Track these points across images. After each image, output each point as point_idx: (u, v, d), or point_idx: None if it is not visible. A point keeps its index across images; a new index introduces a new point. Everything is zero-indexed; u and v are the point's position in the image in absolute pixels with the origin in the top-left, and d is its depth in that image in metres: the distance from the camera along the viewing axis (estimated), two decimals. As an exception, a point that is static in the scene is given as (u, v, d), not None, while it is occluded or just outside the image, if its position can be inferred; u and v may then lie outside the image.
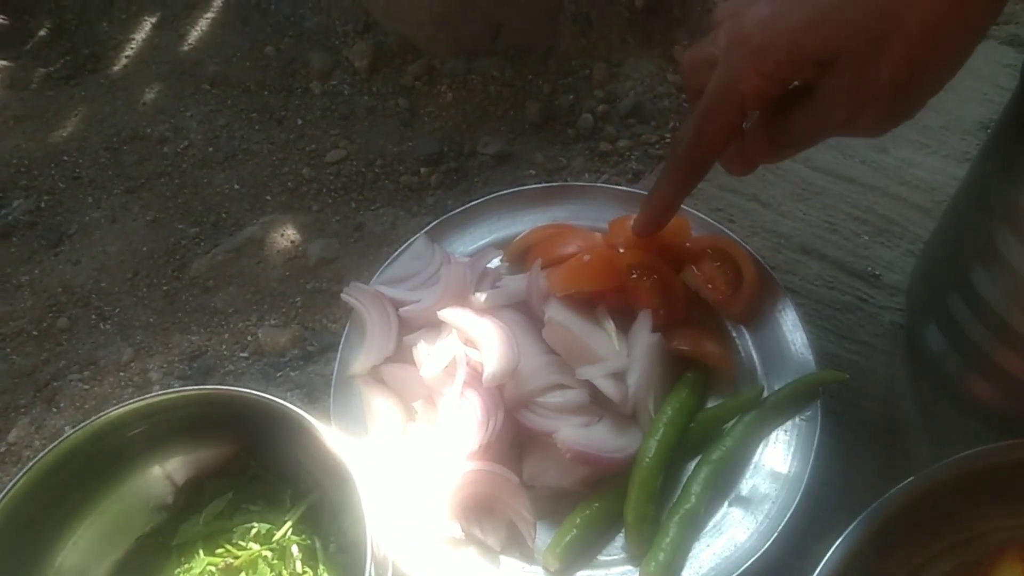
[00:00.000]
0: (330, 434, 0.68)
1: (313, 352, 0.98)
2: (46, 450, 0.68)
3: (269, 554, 0.71)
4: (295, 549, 0.71)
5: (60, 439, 0.69)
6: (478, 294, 0.87)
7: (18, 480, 0.67)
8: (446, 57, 1.28)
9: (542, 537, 0.78)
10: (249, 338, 1.00)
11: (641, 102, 1.21)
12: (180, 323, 1.02)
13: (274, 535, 0.72)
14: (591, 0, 1.29)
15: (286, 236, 1.09)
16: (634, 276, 0.86)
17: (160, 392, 0.72)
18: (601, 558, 0.77)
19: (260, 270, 1.06)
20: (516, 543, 0.78)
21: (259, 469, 0.77)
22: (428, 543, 0.77)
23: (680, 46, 1.30)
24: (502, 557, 0.77)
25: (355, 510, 0.64)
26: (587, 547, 0.77)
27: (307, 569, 0.71)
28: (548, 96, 1.23)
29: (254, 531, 0.72)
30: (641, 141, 1.17)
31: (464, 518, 0.78)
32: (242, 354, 0.99)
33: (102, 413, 0.71)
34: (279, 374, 0.96)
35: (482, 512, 0.79)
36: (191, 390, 0.73)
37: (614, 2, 1.30)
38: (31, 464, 0.67)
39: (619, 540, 0.78)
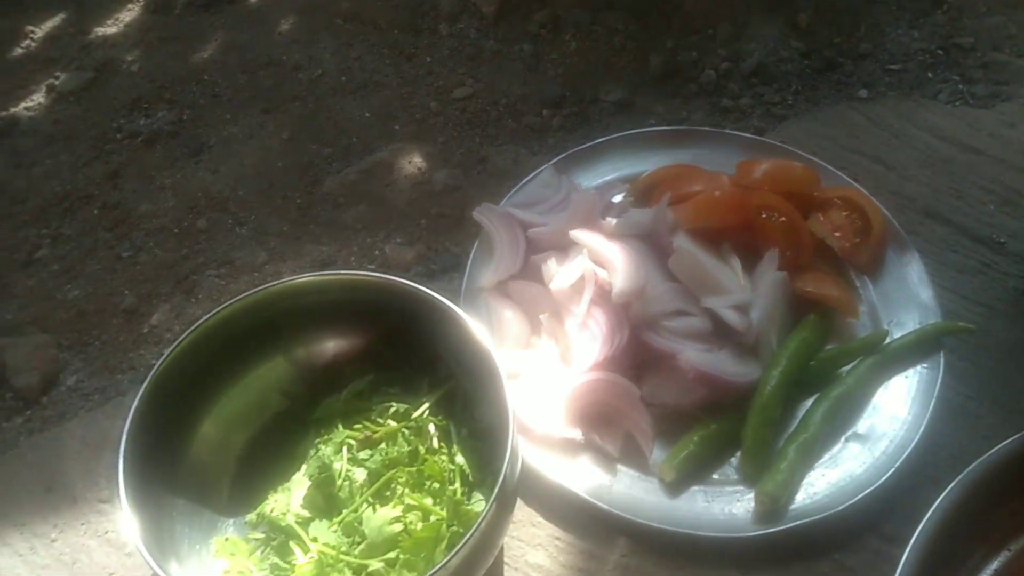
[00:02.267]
0: (477, 327, 0.71)
1: (436, 270, 1.02)
2: (201, 320, 0.73)
3: (407, 431, 0.75)
4: (431, 428, 0.75)
5: (216, 309, 0.74)
6: (607, 219, 0.89)
7: (175, 347, 0.72)
8: (571, 8, 1.31)
9: (657, 453, 0.81)
10: (376, 252, 1.05)
11: (765, 63, 1.23)
12: (311, 234, 1.07)
13: (411, 414, 0.76)
14: (718, -38, 1.30)
15: (413, 163, 1.13)
16: (763, 216, 0.88)
17: (313, 272, 0.77)
18: (715, 476, 0.80)
19: (388, 192, 1.10)
20: (632, 453, 0.81)
21: (396, 359, 0.81)
22: (550, 446, 0.80)
23: (804, 13, 1.30)
24: (619, 465, 0.80)
25: (498, 399, 0.68)
26: (702, 464, 0.80)
27: (442, 446, 0.74)
28: (671, 51, 1.25)
29: (392, 410, 0.76)
30: (763, 100, 1.19)
31: (585, 425, 0.81)
32: (369, 266, 1.04)
33: (261, 287, 0.75)
34: (403, 287, 1.00)
35: (602, 421, 0.82)
36: (344, 273, 0.77)
37: (741, -34, 1.31)
38: (185, 334, 0.73)
39: (733, 462, 0.81)
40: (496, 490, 0.62)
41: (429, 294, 0.73)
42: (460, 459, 0.74)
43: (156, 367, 0.72)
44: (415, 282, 1.00)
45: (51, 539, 0.85)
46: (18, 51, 1.37)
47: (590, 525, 0.79)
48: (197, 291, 1.03)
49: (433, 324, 0.75)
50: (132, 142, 1.20)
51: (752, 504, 0.77)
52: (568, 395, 0.81)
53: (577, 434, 0.80)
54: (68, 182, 1.16)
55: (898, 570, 0.67)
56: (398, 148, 1.16)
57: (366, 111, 1.21)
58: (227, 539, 0.73)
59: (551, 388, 0.82)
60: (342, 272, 0.78)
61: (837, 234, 0.90)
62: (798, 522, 0.75)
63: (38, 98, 1.29)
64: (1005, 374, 0.88)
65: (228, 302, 0.74)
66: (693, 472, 0.79)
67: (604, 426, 0.82)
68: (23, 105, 1.28)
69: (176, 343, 0.73)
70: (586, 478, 0.79)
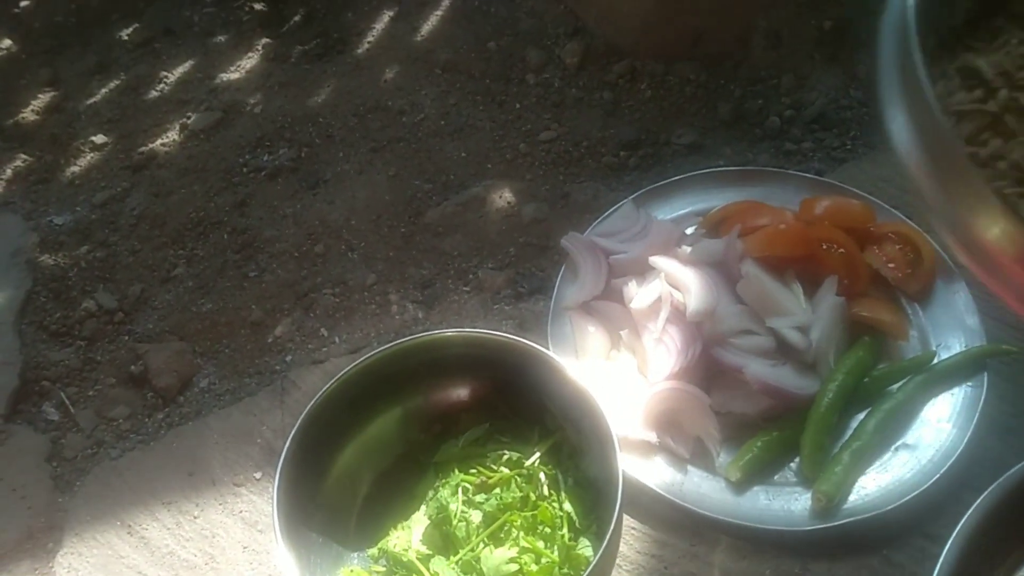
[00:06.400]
0: (583, 382, 0.79)
1: (524, 293, 1.15)
2: (349, 367, 0.84)
3: (519, 478, 0.84)
4: (542, 476, 0.84)
5: (359, 361, 0.85)
6: (682, 247, 1.01)
7: (330, 387, 0.83)
8: (648, 59, 1.44)
9: (724, 456, 0.91)
10: (471, 276, 1.18)
11: (825, 111, 1.33)
12: (414, 259, 1.21)
13: (523, 463, 0.85)
14: (783, 18, 1.42)
15: (503, 198, 1.27)
16: (824, 247, 0.99)
17: (440, 330, 0.89)
18: (775, 478, 0.90)
19: (481, 223, 1.24)
20: (702, 456, 0.91)
21: (507, 410, 0.90)
22: (628, 447, 0.91)
23: (863, 65, 1.41)
24: (689, 466, 0.91)
25: (602, 452, 0.76)
26: (765, 466, 0.90)
27: (552, 494, 0.83)
28: (738, 99, 1.37)
29: (505, 457, 0.86)
30: (824, 145, 1.29)
31: (659, 429, 0.92)
32: (464, 288, 1.17)
33: (395, 343, 0.86)
34: (495, 307, 1.13)
35: (675, 426, 0.92)
36: (467, 331, 0.88)
37: (804, 21, 1.43)
38: (339, 376, 0.84)
39: (793, 466, 0.91)
40: (608, 538, 0.70)
41: (540, 350, 0.83)
42: (568, 506, 0.82)
43: (301, 416, 0.82)
44: (505, 302, 1.14)
45: (194, 516, 0.99)
46: (154, 94, 1.55)
47: (663, 517, 0.89)
48: (315, 307, 1.17)
49: (543, 378, 0.84)
50: (257, 176, 1.36)
51: (809, 503, 0.86)
52: (645, 402, 0.92)
53: (652, 437, 0.91)
54: (201, 209, 1.32)
55: (938, 564, 0.76)
56: (490, 184, 1.29)
57: (462, 151, 1.35)
58: (352, 571, 0.83)
59: (630, 396, 0.93)
60: (465, 330, 0.89)
61: (891, 265, 1.00)
62: (850, 519, 0.84)
63: (172, 135, 1.46)
64: (1048, 396, 0.95)
65: (367, 356, 0.86)
66: (756, 473, 0.89)
67: (677, 430, 0.92)
68: (159, 142, 1.46)
69: (320, 392, 0.83)
70: (660, 476, 0.90)
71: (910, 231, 1.01)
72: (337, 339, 1.14)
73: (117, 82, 1.58)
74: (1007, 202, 0.53)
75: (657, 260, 0.99)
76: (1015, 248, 0.49)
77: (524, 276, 1.17)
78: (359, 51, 1.57)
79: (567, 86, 1.44)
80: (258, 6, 1.70)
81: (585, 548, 0.78)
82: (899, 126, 0.57)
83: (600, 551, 0.70)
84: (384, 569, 0.84)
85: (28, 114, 1.52)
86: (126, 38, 1.66)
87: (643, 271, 1.01)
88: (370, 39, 1.60)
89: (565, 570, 0.77)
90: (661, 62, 1.43)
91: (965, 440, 0.87)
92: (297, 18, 1.69)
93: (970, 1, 0.65)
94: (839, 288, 0.97)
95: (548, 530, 0.79)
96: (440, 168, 1.33)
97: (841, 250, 0.98)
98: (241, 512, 0.98)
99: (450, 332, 0.88)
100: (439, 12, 1.62)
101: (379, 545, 0.85)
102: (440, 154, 1.35)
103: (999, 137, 0.58)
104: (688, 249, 1.00)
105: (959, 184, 0.52)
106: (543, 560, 0.77)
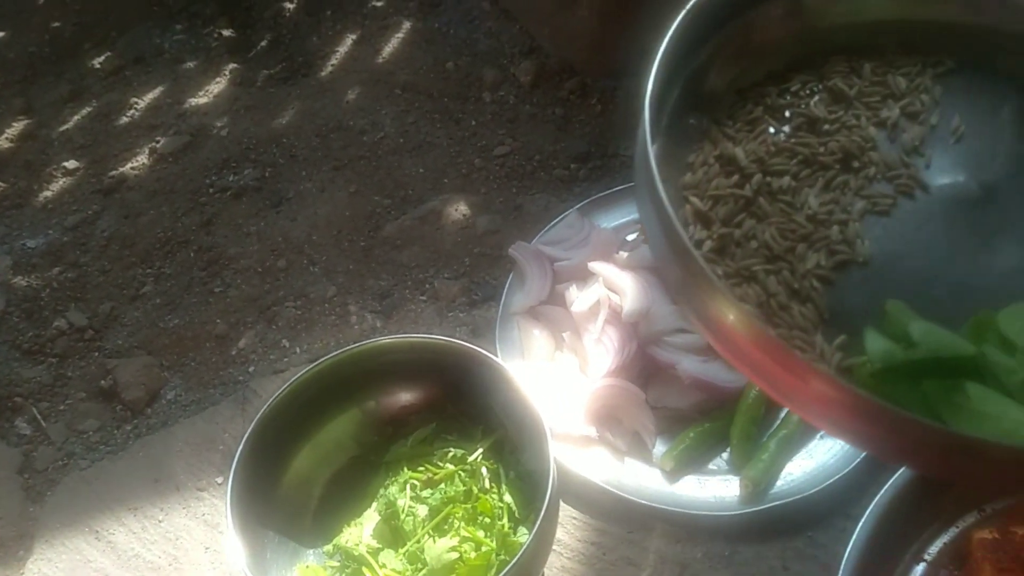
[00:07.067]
0: (524, 384, 0.85)
1: (477, 300, 1.20)
2: (297, 375, 0.89)
3: (463, 473, 0.89)
4: (484, 471, 0.89)
5: (306, 368, 0.89)
6: (621, 253, 1.07)
7: (281, 392, 0.88)
8: (598, 76, 1.50)
9: (659, 447, 0.96)
10: (427, 286, 1.23)
11: (767, 121, 1.39)
12: (373, 271, 1.26)
13: (467, 459, 0.90)
14: (728, 34, 1.49)
15: (459, 211, 1.32)
16: (752, 249, 1.04)
17: (389, 336, 0.93)
18: (708, 467, 0.95)
19: (438, 235, 1.29)
20: (638, 448, 0.97)
21: (454, 410, 0.95)
22: (570, 441, 0.96)
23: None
24: (626, 458, 0.96)
25: (538, 447, 0.82)
26: (697, 456, 0.95)
27: (493, 486, 0.88)
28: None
29: (451, 454, 0.91)
30: (764, 153, 1.35)
31: (599, 424, 0.97)
32: (421, 297, 1.22)
33: (343, 349, 0.91)
34: (450, 314, 1.18)
35: (613, 421, 0.98)
36: (413, 337, 0.93)
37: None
38: (291, 381, 0.88)
39: (724, 455, 0.96)
40: (536, 525, 0.75)
41: (484, 354, 0.88)
42: (508, 498, 0.87)
43: (256, 418, 0.87)
44: (460, 310, 1.19)
45: (159, 520, 1.03)
46: (124, 120, 1.61)
47: (603, 507, 0.94)
48: (277, 320, 1.22)
49: (486, 380, 0.89)
50: (222, 196, 1.41)
51: (738, 489, 0.91)
52: (585, 399, 0.97)
53: (592, 431, 0.96)
54: (169, 229, 1.37)
55: (850, 542, 0.81)
56: (447, 198, 1.35)
57: (420, 168, 1.41)
58: (308, 566, 0.87)
59: (571, 393, 0.99)
60: (412, 336, 0.94)
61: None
62: (776, 503, 0.89)
63: (142, 159, 1.52)
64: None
65: (320, 360, 0.90)
66: (689, 463, 0.94)
67: (615, 425, 0.98)
68: (129, 165, 1.51)
69: (276, 394, 0.88)
70: (600, 467, 0.95)
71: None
72: (298, 349, 1.19)
73: (89, 109, 1.63)
74: (734, 296, 0.59)
75: (596, 266, 1.04)
76: (748, 332, 0.55)
77: (478, 284, 1.23)
78: (323, 74, 1.63)
79: (521, 103, 1.50)
80: (226, 32, 1.76)
81: (523, 535, 0.83)
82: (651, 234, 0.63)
83: (531, 536, 0.75)
84: (338, 564, 0.89)
85: (2, 142, 1.57)
86: (98, 66, 1.71)
87: (585, 277, 1.07)
88: (333, 62, 1.66)
89: (502, 556, 0.82)
90: (611, 78, 1.49)
91: (884, 426, 0.92)
92: (264, 43, 1.75)
93: (728, 94, 0.72)
94: (768, 287, 1.02)
95: (488, 520, 0.84)
96: (399, 184, 1.38)
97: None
98: (204, 515, 1.02)
99: (398, 338, 0.93)
100: (400, 35, 1.69)
101: (334, 541, 0.90)
102: (399, 170, 1.41)
103: (752, 218, 0.65)
104: (626, 255, 1.06)
105: (699, 281, 0.58)
106: (482, 548, 0.82)
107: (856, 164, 0.67)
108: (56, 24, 1.78)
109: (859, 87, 0.71)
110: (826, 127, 0.69)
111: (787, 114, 0.70)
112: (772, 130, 0.69)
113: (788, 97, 0.71)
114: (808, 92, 0.71)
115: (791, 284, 0.62)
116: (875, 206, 0.65)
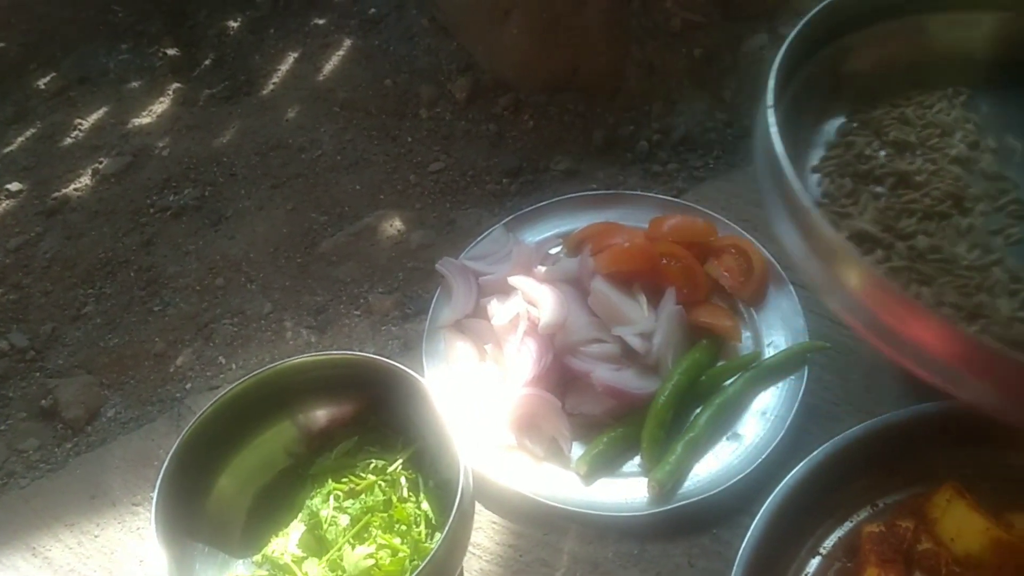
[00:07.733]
0: (439, 398, 0.89)
1: (410, 314, 1.24)
2: (222, 392, 0.92)
3: (383, 483, 0.93)
4: (403, 480, 0.93)
5: (231, 385, 0.92)
6: (540, 268, 1.11)
7: (205, 411, 0.91)
8: (531, 92, 1.55)
9: (576, 452, 1.01)
10: (362, 300, 1.27)
11: (691, 133, 1.45)
12: (309, 287, 1.30)
13: (387, 469, 0.94)
14: (656, 49, 1.54)
15: (394, 226, 1.36)
16: (664, 262, 1.09)
17: (313, 353, 0.97)
18: (622, 470, 0.99)
19: (373, 251, 1.33)
20: (555, 454, 1.01)
21: (377, 423, 0.99)
22: (489, 449, 1.00)
23: (728, 90, 1.53)
24: (544, 463, 1.00)
25: (452, 456, 0.85)
26: (610, 460, 0.99)
27: (411, 495, 0.92)
28: (612, 126, 1.48)
29: (372, 465, 0.94)
30: (688, 165, 1.40)
31: (517, 431, 1.01)
32: (355, 312, 1.26)
33: (268, 366, 0.94)
34: (383, 328, 1.22)
35: (531, 428, 1.02)
36: (336, 354, 0.96)
37: (676, 51, 1.55)
38: (217, 398, 0.91)
39: (636, 459, 1.00)
40: (447, 528, 0.78)
41: (403, 370, 0.91)
42: (426, 506, 0.91)
43: (184, 432, 0.89)
44: (393, 324, 1.23)
45: (95, 535, 1.05)
46: (68, 141, 1.63)
47: (521, 511, 0.98)
48: (215, 337, 1.25)
49: (406, 394, 0.92)
50: (163, 215, 1.44)
51: (647, 490, 0.96)
52: (506, 408, 1.01)
53: (511, 439, 1.00)
54: (110, 250, 1.40)
55: (745, 538, 0.86)
56: (382, 214, 1.39)
57: (357, 184, 1.45)
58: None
59: (494, 403, 1.03)
60: (334, 352, 0.97)
61: (727, 274, 1.11)
62: (682, 503, 0.94)
63: (85, 180, 1.54)
64: (867, 384, 1.06)
65: (244, 377, 0.93)
66: (602, 466, 0.99)
67: (534, 432, 1.02)
68: (73, 186, 1.53)
69: (201, 412, 0.91)
70: (518, 473, 0.99)
71: (745, 243, 1.12)
72: (234, 366, 1.22)
73: (33, 130, 1.65)
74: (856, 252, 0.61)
75: (515, 280, 1.08)
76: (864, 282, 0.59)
77: (411, 298, 1.27)
78: (264, 92, 1.67)
79: (457, 119, 1.54)
80: (171, 51, 1.79)
81: (437, 542, 0.87)
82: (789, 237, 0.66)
83: (441, 540, 0.79)
84: (266, 573, 0.92)
85: (-55, 164, 1.59)
86: (43, 87, 1.73)
87: (507, 290, 1.11)
88: (275, 80, 1.69)
89: (416, 562, 0.85)
90: (543, 94, 1.54)
91: (785, 427, 0.98)
92: (208, 62, 1.78)
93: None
94: (679, 297, 1.07)
95: (404, 528, 0.88)
96: (336, 201, 1.42)
97: (681, 263, 1.09)
98: (138, 529, 1.05)
99: (323, 355, 0.97)
100: (341, 52, 1.72)
101: (262, 552, 0.93)
102: (336, 187, 1.44)
103: (923, 285, 0.66)
104: (544, 269, 1.10)
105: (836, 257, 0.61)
106: (398, 554, 0.86)
107: (968, 204, 0.68)
108: (1, 45, 1.79)
109: (916, 133, 0.72)
110: (917, 179, 0.70)
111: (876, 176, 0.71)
112: (873, 197, 0.70)
113: (866, 163, 0.72)
114: (874, 150, 0.73)
115: (1005, 337, 0.62)
116: (1008, 239, 0.67)
